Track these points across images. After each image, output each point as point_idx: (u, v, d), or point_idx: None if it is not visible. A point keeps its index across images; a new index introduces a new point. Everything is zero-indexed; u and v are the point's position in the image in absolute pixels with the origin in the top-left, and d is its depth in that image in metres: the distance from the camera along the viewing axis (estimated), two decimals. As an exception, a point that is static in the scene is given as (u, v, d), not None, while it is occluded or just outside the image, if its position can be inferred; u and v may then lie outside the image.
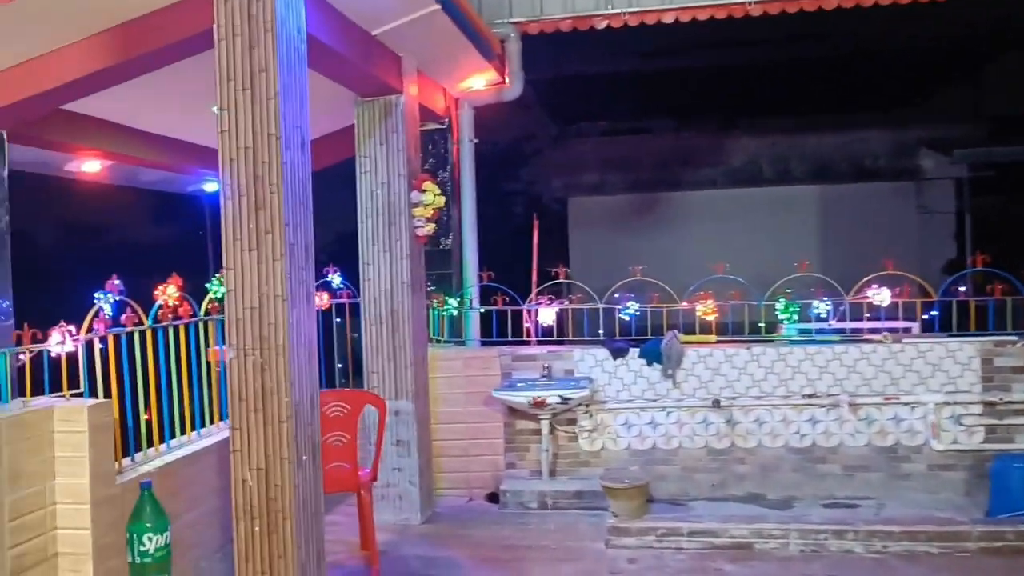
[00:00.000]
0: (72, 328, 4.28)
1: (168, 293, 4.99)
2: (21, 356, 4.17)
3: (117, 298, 4.52)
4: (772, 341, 6.26)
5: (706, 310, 6.31)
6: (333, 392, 5.19)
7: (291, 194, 3.75)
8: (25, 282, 4.57)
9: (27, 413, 3.93)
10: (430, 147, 6.74)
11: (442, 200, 5.81)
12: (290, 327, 3.71)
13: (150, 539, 3.52)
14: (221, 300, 5.04)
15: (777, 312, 6.26)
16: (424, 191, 5.70)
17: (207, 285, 5.61)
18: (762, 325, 6.34)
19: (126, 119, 5.70)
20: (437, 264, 6.74)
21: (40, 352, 4.17)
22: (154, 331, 4.80)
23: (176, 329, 5.01)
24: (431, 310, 6.61)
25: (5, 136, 4.38)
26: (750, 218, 11.58)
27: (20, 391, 4.11)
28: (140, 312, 4.67)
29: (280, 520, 3.78)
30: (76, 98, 4.37)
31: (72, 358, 4.32)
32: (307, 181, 3.92)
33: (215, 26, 3.66)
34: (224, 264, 3.73)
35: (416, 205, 5.69)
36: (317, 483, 4.01)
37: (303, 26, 3.88)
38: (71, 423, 4.07)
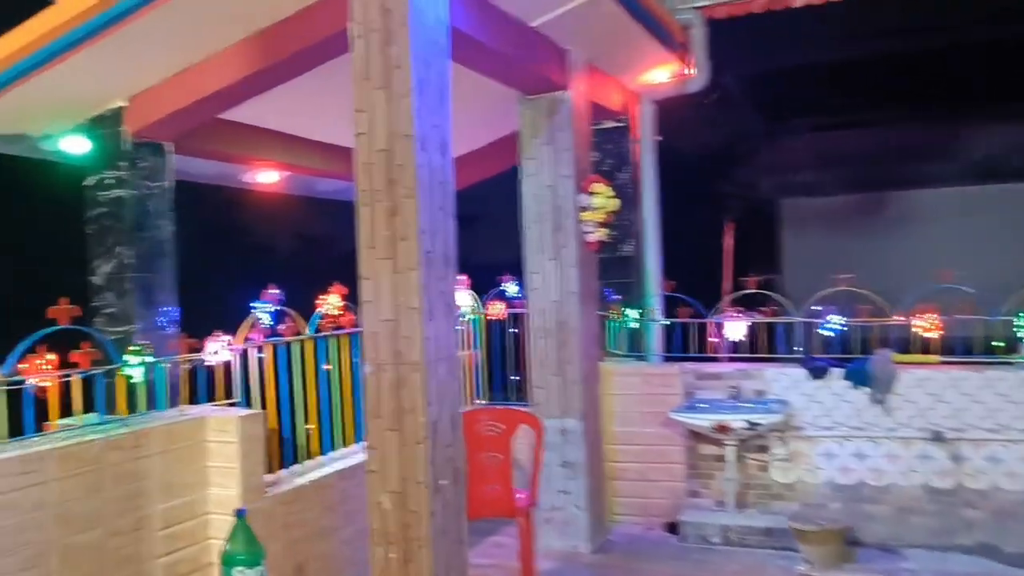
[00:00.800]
0: (228, 338, 4.28)
1: (330, 302, 4.93)
2: (182, 365, 4.22)
3: (275, 308, 4.48)
4: (1011, 363, 5.24)
5: (927, 325, 5.40)
6: (486, 410, 4.90)
7: (428, 199, 3.48)
8: (198, 291, 4.66)
9: (181, 423, 3.94)
10: (607, 147, 6.31)
11: (615, 203, 5.37)
12: (427, 341, 3.46)
13: (241, 572, 3.32)
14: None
15: (1017, 328, 5.23)
16: (593, 193, 5.28)
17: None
18: (998, 344, 5.34)
19: (304, 131, 5.75)
20: (615, 272, 6.29)
21: (198, 361, 4.19)
22: (314, 341, 4.73)
23: (338, 339, 4.92)
24: (608, 322, 6.18)
25: (170, 148, 4.48)
26: (984, 219, 10.10)
27: (178, 400, 4.15)
28: (300, 321, 4.61)
29: (416, 548, 3.52)
30: (231, 106, 4.40)
31: (231, 367, 4.33)
32: (448, 185, 3.64)
33: (351, 23, 3.47)
34: (359, 273, 3.52)
35: (585, 209, 5.29)
36: (459, 509, 3.72)
37: (444, 16, 3.62)
38: (223, 433, 4.04)
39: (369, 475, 3.58)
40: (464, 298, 6.52)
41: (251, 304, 4.45)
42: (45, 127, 4.36)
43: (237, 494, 4.00)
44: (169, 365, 4.05)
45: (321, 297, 4.85)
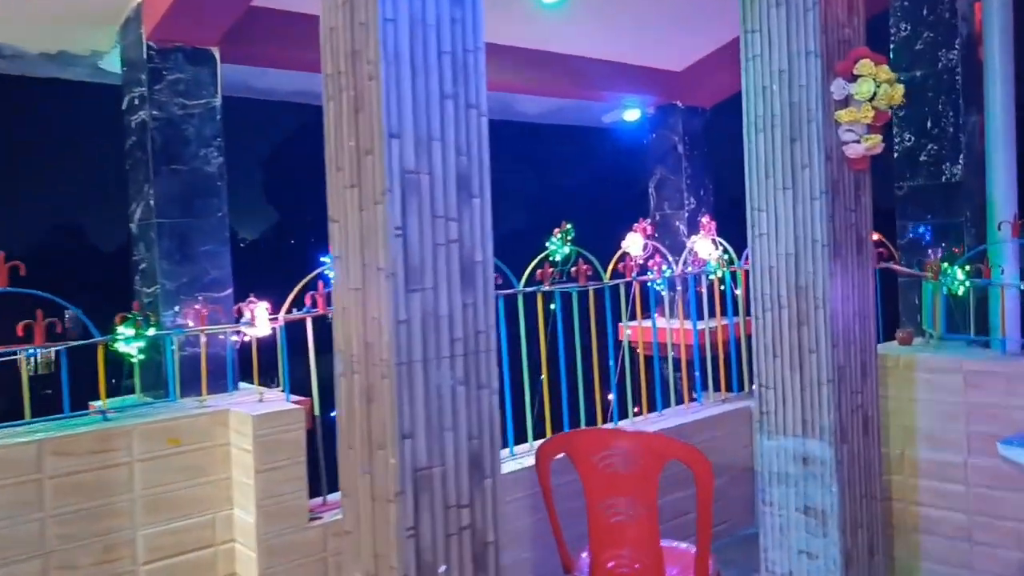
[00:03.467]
0: (268, 305, 3.17)
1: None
2: (235, 337, 3.21)
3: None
4: None
5: None
6: (610, 431, 3.20)
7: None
8: (281, 245, 3.61)
9: (181, 418, 2.95)
10: (920, 10, 4.02)
11: (897, 92, 3.22)
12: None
13: None
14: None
15: None
16: (859, 77, 3.21)
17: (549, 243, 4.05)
18: None
19: (498, 37, 4.40)
20: (935, 206, 4.05)
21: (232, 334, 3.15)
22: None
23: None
24: (925, 285, 3.99)
25: (215, 54, 3.45)
26: None
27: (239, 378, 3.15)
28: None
29: None
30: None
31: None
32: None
33: None
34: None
35: (844, 103, 3.24)
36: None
37: None
38: (242, 435, 2.97)
39: (763, 417, 3.35)
40: (707, 246, 4.74)
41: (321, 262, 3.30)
42: (87, 42, 3.60)
43: (252, 524, 2.90)
44: (181, 340, 3.06)
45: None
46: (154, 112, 3.31)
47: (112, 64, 3.72)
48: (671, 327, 4.86)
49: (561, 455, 2.84)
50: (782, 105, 3.33)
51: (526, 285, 3.92)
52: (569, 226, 4.06)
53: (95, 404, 3.25)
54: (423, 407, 2.07)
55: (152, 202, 3.31)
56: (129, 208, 3.42)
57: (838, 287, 3.30)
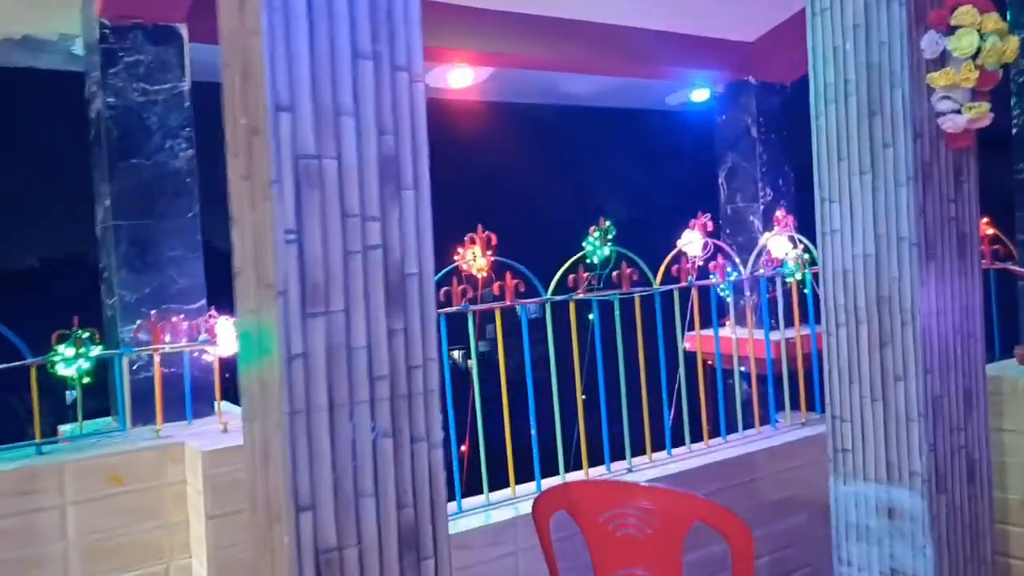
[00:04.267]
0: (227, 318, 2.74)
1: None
2: (209, 357, 2.79)
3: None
4: None
5: None
6: (622, 484, 2.60)
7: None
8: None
9: (138, 451, 2.53)
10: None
11: (1010, 46, 2.51)
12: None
13: None
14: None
15: None
16: (957, 28, 2.52)
17: (586, 244, 3.49)
18: None
19: (534, 6, 3.89)
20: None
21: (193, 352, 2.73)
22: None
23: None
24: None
25: (183, 31, 3.02)
26: None
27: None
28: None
29: None
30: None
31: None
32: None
33: None
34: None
35: (939, 61, 2.56)
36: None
37: None
38: (196, 473, 2.54)
39: (837, 455, 2.74)
40: (783, 244, 4.07)
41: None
42: (53, 24, 3.25)
43: (206, 574, 2.47)
44: (132, 360, 2.66)
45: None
46: (109, 100, 2.93)
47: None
48: (738, 337, 4.20)
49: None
50: (858, 69, 2.66)
51: (556, 292, 3.37)
52: (608, 223, 3.48)
53: (63, 429, 2.90)
54: (329, 468, 1.56)
55: (109, 202, 2.93)
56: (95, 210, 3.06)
57: (931, 296, 2.61)
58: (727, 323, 4.85)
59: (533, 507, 2.28)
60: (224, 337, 2.73)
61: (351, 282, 1.58)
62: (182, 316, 2.90)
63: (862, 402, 2.74)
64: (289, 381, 1.53)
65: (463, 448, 3.36)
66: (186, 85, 3.06)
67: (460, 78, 4.05)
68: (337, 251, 1.57)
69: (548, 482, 3.27)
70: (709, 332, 4.13)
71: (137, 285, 2.94)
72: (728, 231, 4.94)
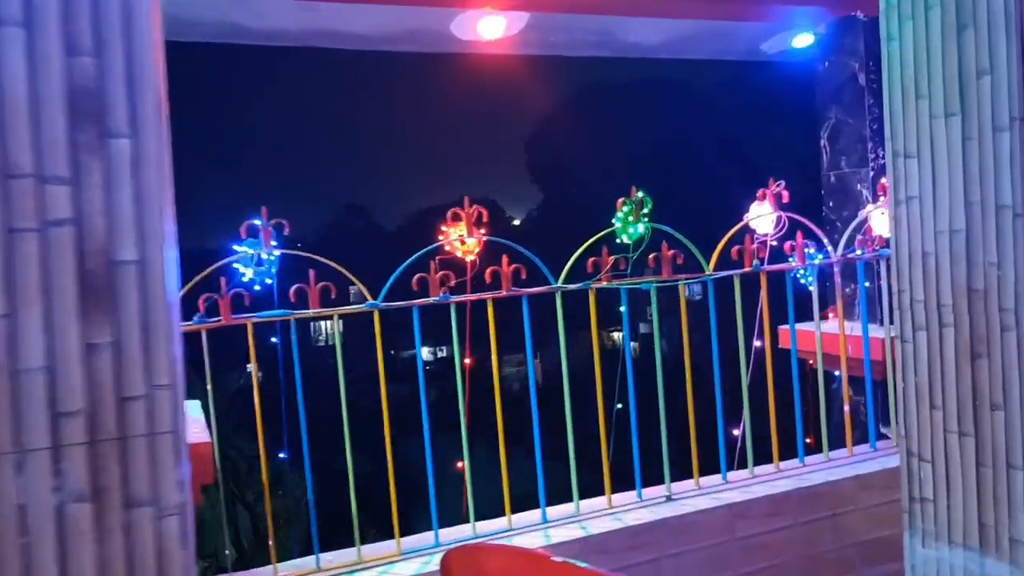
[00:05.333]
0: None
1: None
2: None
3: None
4: None
5: None
6: (534, 555, 1.93)
7: None
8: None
9: None
10: None
11: None
12: None
13: None
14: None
15: None
16: None
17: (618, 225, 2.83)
18: None
19: None
20: None
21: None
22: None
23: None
24: None
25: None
26: None
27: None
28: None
29: None
30: None
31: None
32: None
33: None
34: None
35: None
36: None
37: None
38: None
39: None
40: (887, 221, 3.23)
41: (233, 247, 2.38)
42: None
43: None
44: None
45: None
46: None
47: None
48: (819, 334, 3.39)
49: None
50: (940, -33, 1.88)
51: (570, 280, 2.74)
52: (641, 193, 2.81)
53: None
54: None
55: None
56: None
57: (1050, 291, 1.80)
58: (831, 315, 4.02)
59: (441, 570, 1.72)
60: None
61: (20, 274, 1.08)
62: None
63: (947, 437, 1.97)
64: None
65: (460, 464, 2.81)
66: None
67: (491, 27, 3.46)
68: (-2, 228, 1.07)
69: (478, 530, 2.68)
70: (807, 326, 3.39)
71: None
72: (831, 203, 4.08)
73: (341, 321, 2.51)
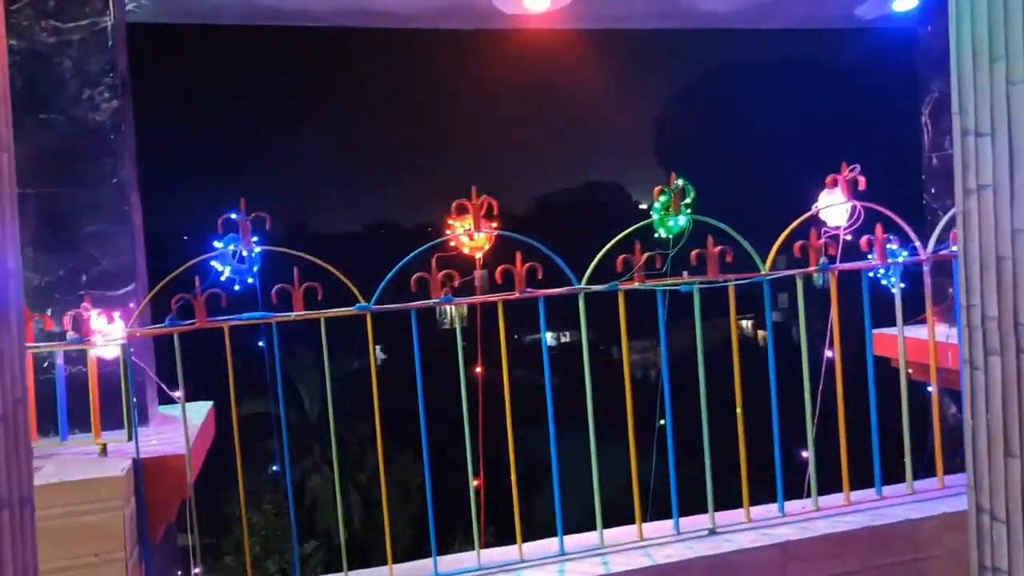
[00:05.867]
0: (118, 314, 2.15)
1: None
2: (100, 356, 2.27)
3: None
4: None
5: None
6: None
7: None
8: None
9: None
10: None
11: None
12: None
13: None
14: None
15: None
16: None
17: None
18: None
19: None
20: None
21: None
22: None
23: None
24: None
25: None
26: None
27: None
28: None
29: None
30: None
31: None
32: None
33: None
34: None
35: None
36: None
37: None
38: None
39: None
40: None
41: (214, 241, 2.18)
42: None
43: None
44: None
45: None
46: (12, 42, 2.44)
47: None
48: (902, 338, 2.91)
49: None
50: None
51: (594, 280, 2.41)
52: (680, 181, 2.44)
53: None
54: None
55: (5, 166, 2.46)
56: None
57: None
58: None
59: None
60: (112, 335, 2.16)
61: None
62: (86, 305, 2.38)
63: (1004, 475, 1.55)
64: None
65: (476, 482, 2.54)
66: (109, 21, 2.50)
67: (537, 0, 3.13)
68: None
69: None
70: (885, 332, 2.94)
71: (48, 266, 2.47)
72: (933, 190, 3.53)
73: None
